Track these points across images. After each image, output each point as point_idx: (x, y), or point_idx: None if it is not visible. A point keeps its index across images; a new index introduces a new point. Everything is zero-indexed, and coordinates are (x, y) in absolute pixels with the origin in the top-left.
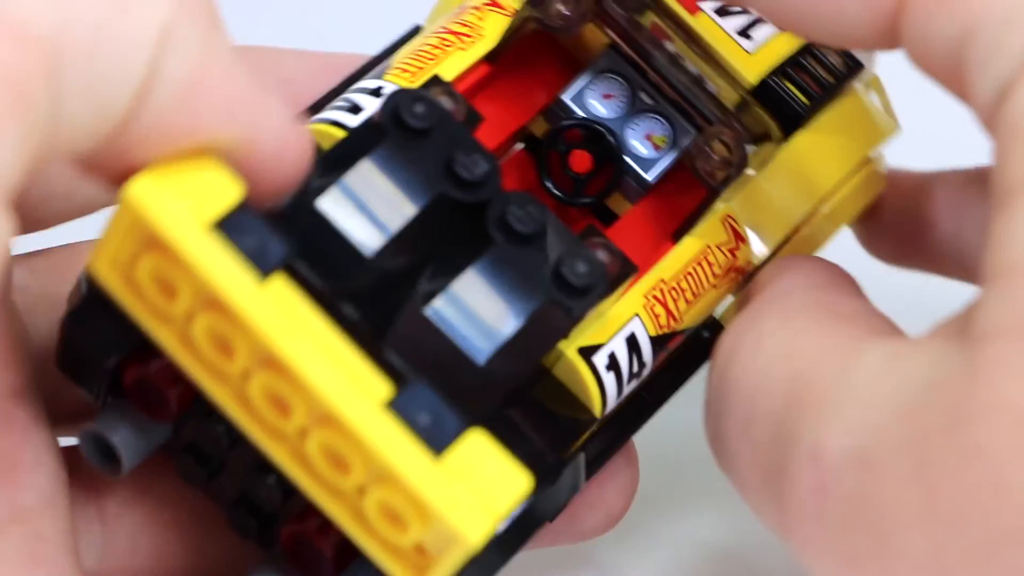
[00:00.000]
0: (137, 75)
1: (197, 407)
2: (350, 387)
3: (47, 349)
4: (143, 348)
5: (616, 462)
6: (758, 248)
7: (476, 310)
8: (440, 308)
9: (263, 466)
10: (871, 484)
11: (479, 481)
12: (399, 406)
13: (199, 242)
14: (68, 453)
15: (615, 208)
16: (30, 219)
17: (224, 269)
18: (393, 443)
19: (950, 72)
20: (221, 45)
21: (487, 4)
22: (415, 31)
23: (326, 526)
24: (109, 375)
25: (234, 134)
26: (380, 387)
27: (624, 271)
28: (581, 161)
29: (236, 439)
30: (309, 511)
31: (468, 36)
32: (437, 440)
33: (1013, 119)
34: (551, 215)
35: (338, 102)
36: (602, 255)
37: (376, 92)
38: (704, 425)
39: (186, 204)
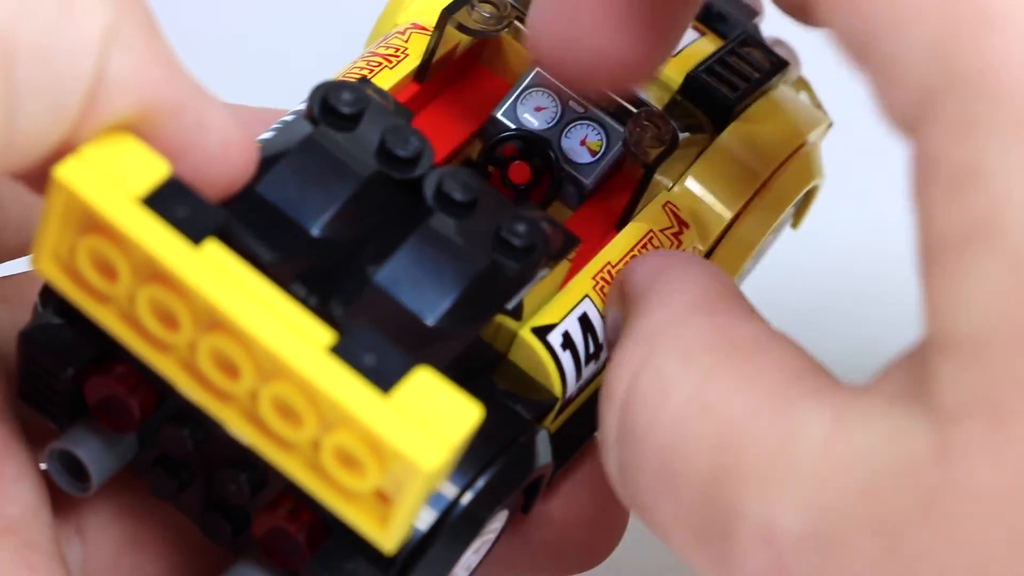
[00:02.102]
0: (87, 76)
1: (160, 414)
2: (293, 335)
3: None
4: (99, 361)
5: (610, 500)
6: (701, 236)
7: (422, 274)
8: (388, 273)
9: (230, 463)
10: (837, 567)
11: (430, 414)
12: (343, 349)
13: (132, 213)
14: (46, 474)
15: (557, 217)
16: None
17: (158, 235)
18: (341, 384)
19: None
20: (162, 47)
21: (411, 28)
22: None
23: (297, 512)
24: (69, 387)
25: (180, 134)
26: (323, 334)
27: (567, 244)
28: (520, 172)
29: (201, 440)
30: (279, 501)
31: (395, 56)
32: (384, 378)
33: (929, 156)
34: (487, 185)
35: (273, 126)
36: (544, 226)
37: None
38: (605, 464)
39: (116, 180)
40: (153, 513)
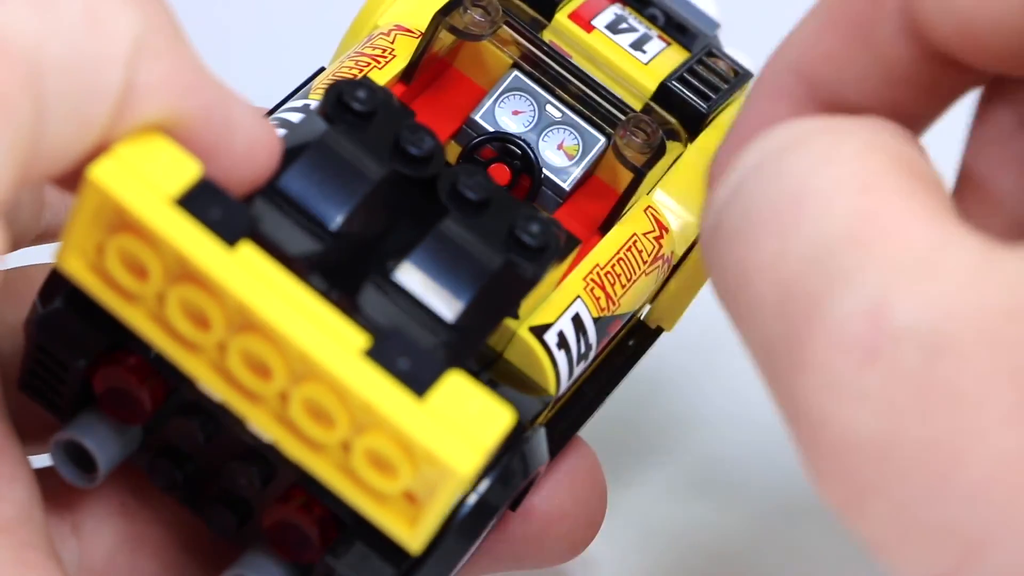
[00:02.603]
0: (115, 88)
1: (169, 405)
2: (328, 338)
3: (8, 378)
4: (109, 352)
5: (588, 495)
6: (679, 239)
7: (439, 272)
8: (407, 271)
9: (241, 456)
10: (940, 369)
11: (463, 418)
12: (378, 353)
13: (166, 214)
14: (39, 474)
15: None
16: None
17: (193, 237)
18: (376, 387)
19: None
20: (189, 52)
21: (396, 29)
22: (320, 72)
23: (309, 506)
24: (79, 378)
25: (208, 136)
26: (357, 337)
27: (569, 244)
28: (500, 175)
29: (211, 433)
30: (289, 494)
31: (382, 57)
32: (418, 382)
33: None
34: (498, 186)
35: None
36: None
37: (304, 109)
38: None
39: (150, 181)
40: (149, 511)
